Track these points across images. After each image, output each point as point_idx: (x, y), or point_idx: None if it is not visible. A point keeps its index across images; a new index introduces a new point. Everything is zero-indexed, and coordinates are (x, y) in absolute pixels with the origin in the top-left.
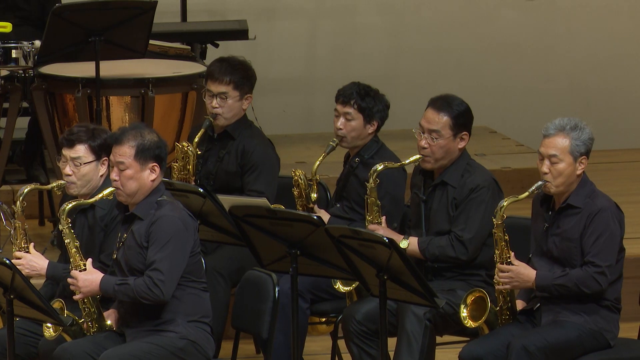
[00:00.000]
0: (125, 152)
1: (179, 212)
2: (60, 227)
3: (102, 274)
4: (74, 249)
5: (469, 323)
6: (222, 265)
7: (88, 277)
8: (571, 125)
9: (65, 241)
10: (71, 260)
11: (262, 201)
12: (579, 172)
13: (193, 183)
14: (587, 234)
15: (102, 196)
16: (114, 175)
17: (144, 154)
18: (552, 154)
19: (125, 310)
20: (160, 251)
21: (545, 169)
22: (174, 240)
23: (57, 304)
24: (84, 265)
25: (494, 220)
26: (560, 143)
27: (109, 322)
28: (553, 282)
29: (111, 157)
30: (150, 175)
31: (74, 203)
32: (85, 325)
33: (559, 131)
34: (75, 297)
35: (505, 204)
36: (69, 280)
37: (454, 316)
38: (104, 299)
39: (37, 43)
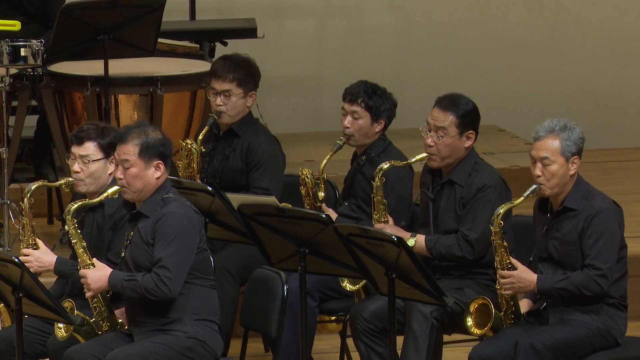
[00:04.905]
0: (129, 150)
1: (184, 208)
2: (67, 227)
3: (111, 269)
4: (81, 249)
5: (475, 331)
6: (231, 264)
7: (97, 273)
8: (560, 126)
9: (72, 241)
10: (79, 260)
11: (271, 199)
12: (572, 172)
13: (198, 181)
14: (586, 236)
15: (107, 195)
16: (119, 174)
17: (148, 152)
18: (543, 157)
19: (132, 309)
20: (167, 248)
21: (538, 171)
22: (179, 237)
23: (67, 304)
24: (93, 264)
25: (491, 227)
26: (551, 145)
27: (120, 320)
28: (554, 285)
29: (115, 155)
30: (155, 172)
31: (79, 203)
32: (101, 324)
33: (549, 133)
34: (87, 294)
35: (501, 211)
36: (81, 280)
37: (462, 315)
38: (114, 297)
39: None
